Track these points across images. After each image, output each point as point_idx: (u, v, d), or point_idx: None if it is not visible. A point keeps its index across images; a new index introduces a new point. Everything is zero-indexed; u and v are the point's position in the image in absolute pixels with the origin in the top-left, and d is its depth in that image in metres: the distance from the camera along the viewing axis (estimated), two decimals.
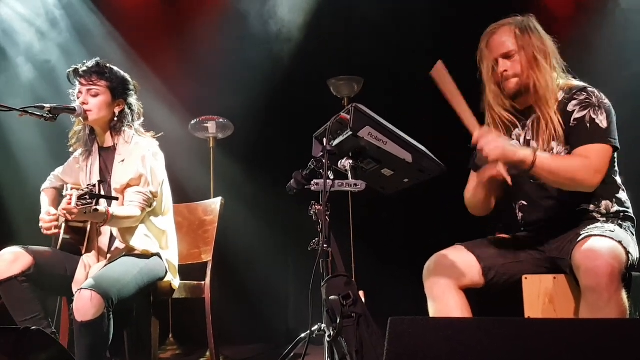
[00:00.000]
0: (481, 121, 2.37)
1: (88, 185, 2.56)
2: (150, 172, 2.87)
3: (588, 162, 2.23)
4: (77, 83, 2.93)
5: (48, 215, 2.81)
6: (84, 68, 2.91)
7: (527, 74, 2.33)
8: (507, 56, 2.36)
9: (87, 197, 2.51)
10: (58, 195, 3.10)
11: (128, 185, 2.83)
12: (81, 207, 2.50)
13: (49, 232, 2.80)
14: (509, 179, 2.23)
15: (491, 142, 2.19)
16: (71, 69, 2.95)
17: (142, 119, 3.05)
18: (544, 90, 2.33)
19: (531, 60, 2.33)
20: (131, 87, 2.99)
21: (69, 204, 2.52)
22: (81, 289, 2.54)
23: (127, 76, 3.01)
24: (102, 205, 2.64)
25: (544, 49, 2.35)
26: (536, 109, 2.36)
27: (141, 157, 2.88)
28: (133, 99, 3.01)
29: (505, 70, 2.36)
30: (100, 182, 2.54)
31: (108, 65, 2.96)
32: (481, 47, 2.43)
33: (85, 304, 2.50)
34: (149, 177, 2.86)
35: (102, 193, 2.56)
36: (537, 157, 2.20)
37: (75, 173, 3.06)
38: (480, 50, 2.44)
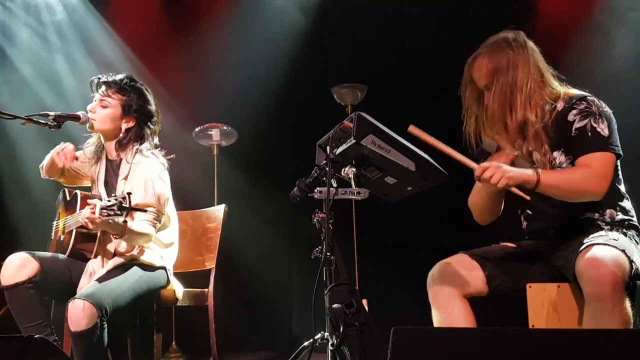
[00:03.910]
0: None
1: (115, 196, 2.53)
2: (153, 194, 2.84)
3: (591, 172, 2.23)
4: (98, 91, 2.94)
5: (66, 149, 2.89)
6: (108, 79, 2.92)
7: (500, 96, 2.33)
8: (487, 87, 2.37)
9: (114, 208, 2.47)
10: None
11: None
12: (106, 217, 2.49)
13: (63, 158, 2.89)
14: (527, 197, 2.23)
15: (495, 173, 2.18)
16: (95, 78, 2.96)
17: (150, 142, 3.00)
18: (530, 102, 2.33)
19: (503, 82, 2.32)
20: (146, 111, 2.96)
21: (93, 213, 2.51)
22: (75, 298, 2.55)
23: (150, 98, 2.98)
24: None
25: (517, 64, 2.33)
26: (514, 121, 2.35)
27: (145, 176, 2.85)
28: (147, 123, 2.97)
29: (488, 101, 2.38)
30: (129, 194, 2.51)
31: (135, 83, 2.95)
32: (465, 80, 2.44)
33: (77, 314, 2.51)
34: (154, 197, 2.84)
35: (130, 204, 2.51)
36: (539, 175, 2.21)
37: (82, 162, 3.06)
38: (464, 82, 2.45)
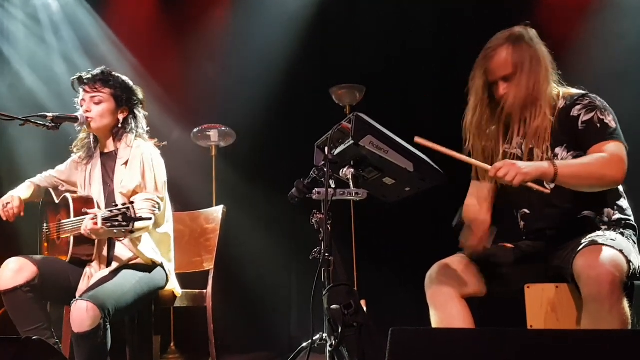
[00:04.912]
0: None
1: (117, 206, 2.49)
2: (153, 176, 2.86)
3: (609, 157, 2.21)
4: (81, 91, 2.94)
5: (12, 205, 2.90)
6: (89, 76, 2.93)
7: (526, 88, 2.33)
8: (506, 78, 2.37)
9: (119, 218, 2.44)
10: (37, 192, 3.07)
11: (134, 192, 2.82)
12: (109, 228, 2.45)
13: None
14: (547, 191, 2.20)
15: (510, 171, 2.15)
16: (76, 77, 2.96)
17: (145, 127, 3.04)
18: (541, 98, 2.34)
19: (529, 75, 2.33)
20: (135, 97, 3.00)
21: (95, 224, 2.50)
22: (77, 299, 2.54)
23: (133, 85, 3.02)
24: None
25: (539, 59, 2.35)
26: (536, 117, 2.36)
27: (143, 159, 2.87)
28: (138, 109, 3.01)
29: (506, 92, 2.37)
30: (132, 203, 2.50)
31: (114, 73, 2.98)
32: (476, 71, 2.43)
33: (81, 315, 2.50)
34: (153, 181, 2.85)
35: (135, 215, 2.49)
36: (557, 166, 2.17)
37: (73, 174, 3.07)
38: (474, 74, 2.44)
